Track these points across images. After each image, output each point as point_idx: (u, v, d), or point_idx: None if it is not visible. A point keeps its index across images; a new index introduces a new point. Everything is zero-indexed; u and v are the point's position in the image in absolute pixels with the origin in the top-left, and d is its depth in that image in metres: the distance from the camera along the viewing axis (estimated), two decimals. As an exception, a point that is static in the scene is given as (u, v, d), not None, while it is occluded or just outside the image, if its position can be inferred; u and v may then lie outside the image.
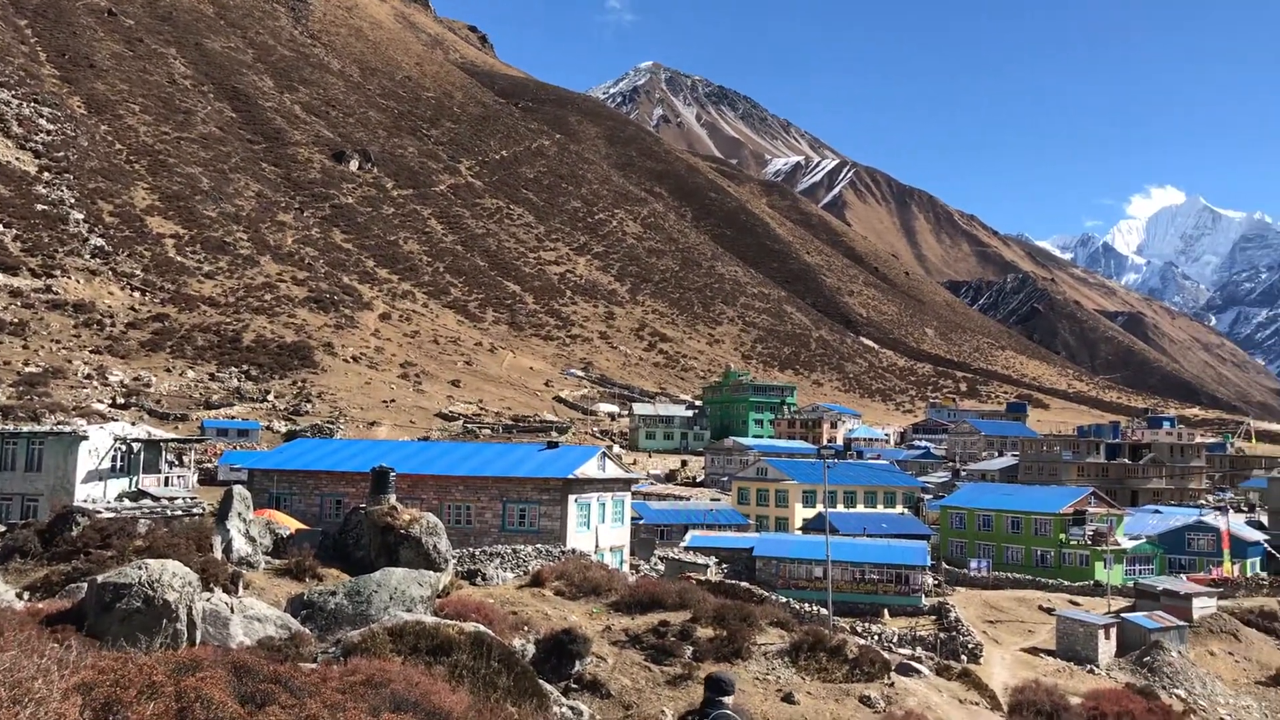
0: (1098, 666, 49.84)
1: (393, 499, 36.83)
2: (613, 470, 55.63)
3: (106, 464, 52.02)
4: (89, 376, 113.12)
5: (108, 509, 42.38)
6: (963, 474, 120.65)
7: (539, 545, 45.98)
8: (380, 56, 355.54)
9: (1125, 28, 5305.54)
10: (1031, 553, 76.26)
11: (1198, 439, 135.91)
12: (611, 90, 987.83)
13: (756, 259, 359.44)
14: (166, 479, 56.52)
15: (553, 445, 57.96)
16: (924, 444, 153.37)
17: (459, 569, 38.92)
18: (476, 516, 50.42)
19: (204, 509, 48.01)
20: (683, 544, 68.25)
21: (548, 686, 21.24)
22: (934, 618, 55.26)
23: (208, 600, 21.00)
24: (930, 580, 63.95)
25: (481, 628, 20.79)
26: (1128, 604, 60.64)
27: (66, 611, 19.77)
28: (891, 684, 31.28)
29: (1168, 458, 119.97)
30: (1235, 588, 69.29)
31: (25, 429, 55.96)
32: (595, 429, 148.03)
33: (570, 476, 49.95)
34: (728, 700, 8.09)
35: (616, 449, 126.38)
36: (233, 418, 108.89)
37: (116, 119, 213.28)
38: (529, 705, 16.79)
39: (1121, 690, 40.71)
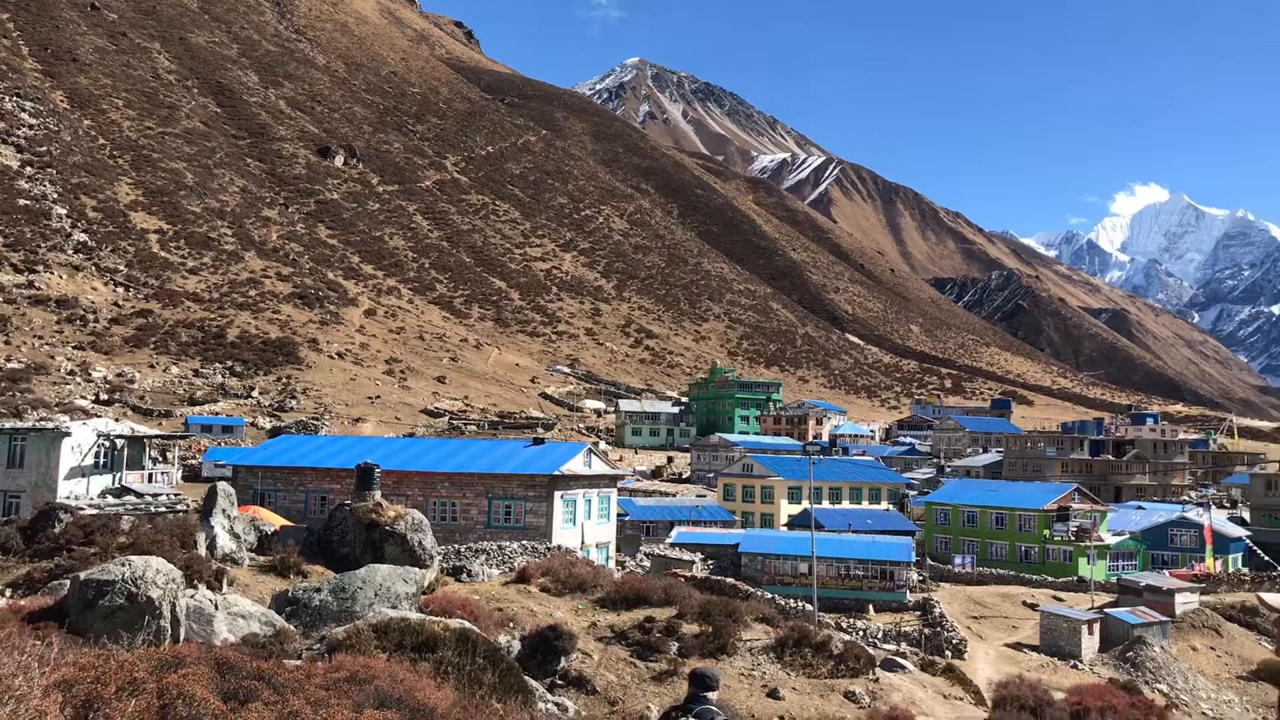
0: (1081, 662, 50.11)
1: (378, 495, 36.75)
2: (599, 466, 55.62)
3: (90, 460, 51.76)
4: (72, 373, 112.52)
5: (91, 505, 42.17)
6: (947, 470, 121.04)
7: (525, 542, 45.95)
8: (365, 52, 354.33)
9: (1111, 27, 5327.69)
10: (1016, 548, 76.57)
11: (1181, 435, 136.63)
12: (598, 86, 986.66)
13: (743, 256, 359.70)
14: (150, 475, 56.27)
15: (539, 442, 57.90)
16: (909, 440, 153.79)
17: (444, 566, 38.87)
18: (462, 513, 50.35)
19: (188, 506, 47.83)
20: (668, 540, 68.32)
21: (533, 683, 21.23)
22: (919, 613, 55.46)
23: (191, 597, 20.91)
24: (915, 576, 64.18)
25: (467, 624, 20.77)
26: (1111, 599, 60.99)
27: (49, 609, 19.67)
28: (876, 679, 31.38)
29: (1151, 454, 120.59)
30: (1217, 583, 69.70)
31: (7, 425, 55.60)
32: (581, 425, 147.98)
33: (556, 473, 49.93)
34: (712, 696, 8.08)
35: (603, 445, 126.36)
36: (217, 414, 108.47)
37: (100, 114, 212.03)
38: (514, 702, 16.77)
39: (1105, 685, 40.90)
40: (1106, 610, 56.02)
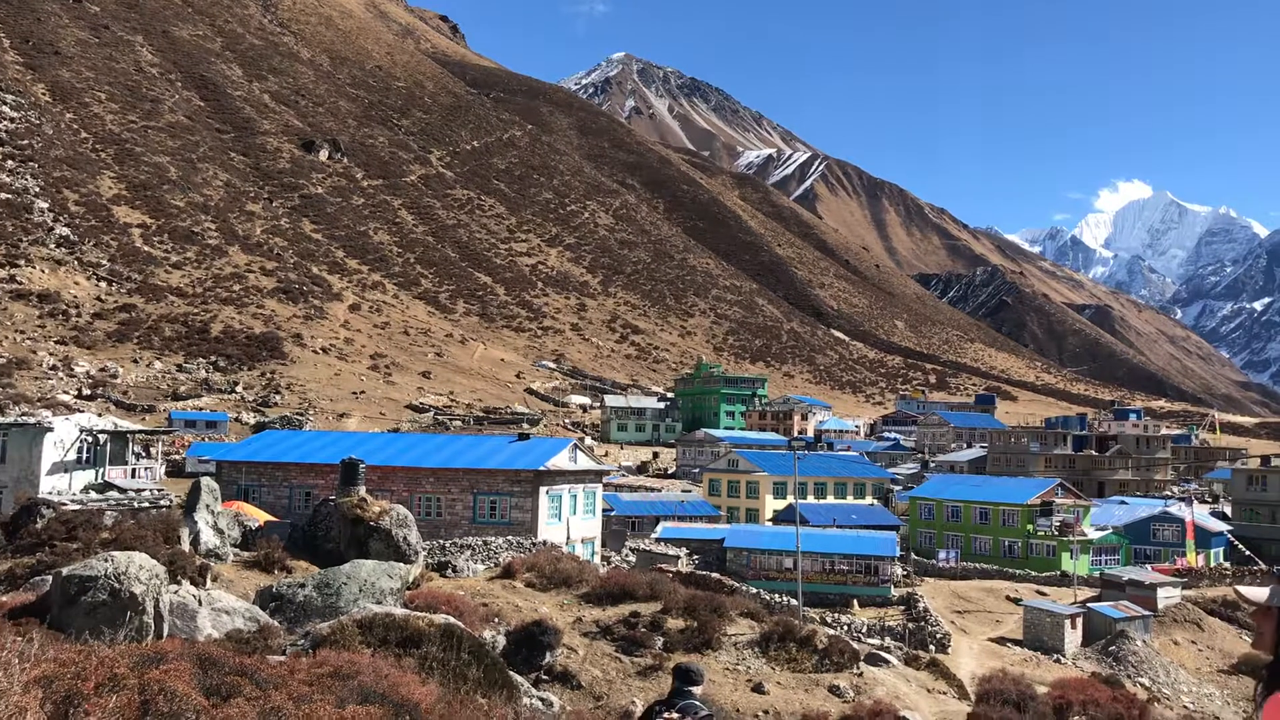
0: (1064, 656, 50.35)
1: (362, 491, 36.69)
2: (584, 462, 55.63)
3: (72, 456, 51.49)
4: (54, 367, 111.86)
5: (73, 501, 41.96)
6: (932, 465, 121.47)
7: (510, 537, 45.94)
8: (350, 46, 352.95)
9: (1096, 25, 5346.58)
10: (999, 543, 76.90)
11: (1163, 431, 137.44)
12: (584, 81, 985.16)
13: (728, 251, 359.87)
14: (133, 471, 56.04)
15: (524, 437, 57.88)
16: (893, 435, 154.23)
17: (429, 561, 38.82)
18: (447, 508, 50.29)
19: (171, 501, 47.63)
20: (654, 535, 68.39)
21: (518, 678, 21.23)
22: (903, 608, 55.64)
23: (175, 593, 20.84)
24: (899, 571, 64.37)
25: (452, 620, 20.75)
26: (1094, 594, 61.30)
27: (30, 604, 19.57)
28: (860, 674, 31.49)
29: (1134, 449, 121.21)
30: (1199, 578, 70.16)
31: (-11, 420, 55.26)
32: (567, 421, 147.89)
33: (541, 468, 49.91)
34: (696, 690, 8.08)
35: (588, 441, 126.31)
36: (201, 409, 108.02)
37: (82, 107, 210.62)
38: (499, 697, 16.76)
39: (1087, 679, 41.15)
40: (1089, 605, 56.32)
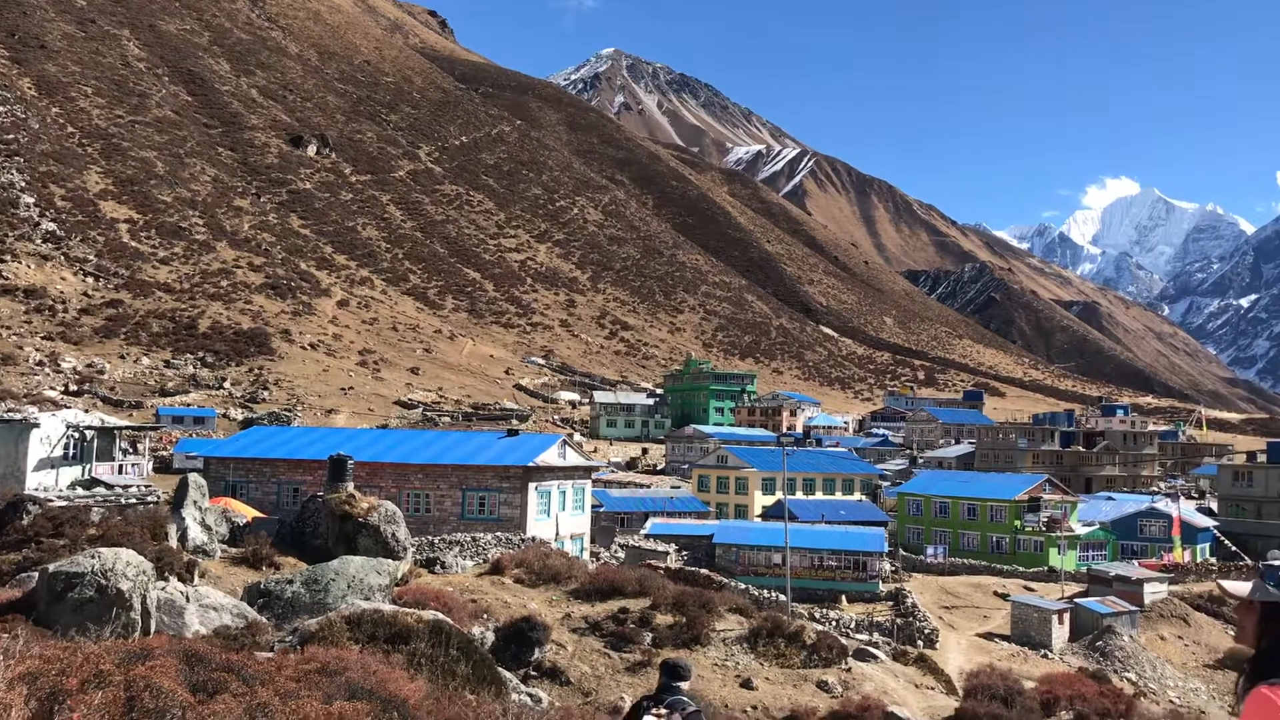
0: (1051, 651, 50.55)
1: (350, 487, 36.63)
2: (573, 458, 55.62)
3: (59, 452, 51.28)
4: (41, 363, 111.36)
5: (60, 497, 41.80)
6: (920, 461, 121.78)
7: (499, 533, 45.92)
8: (339, 40, 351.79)
9: (1085, 22, 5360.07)
10: (987, 539, 77.15)
11: (1150, 427, 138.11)
12: (573, 77, 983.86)
13: (717, 247, 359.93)
14: (120, 467, 55.83)
15: (513, 433, 57.85)
16: (882, 432, 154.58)
17: (418, 557, 38.79)
18: (436, 504, 50.23)
19: (159, 497, 47.48)
20: (643, 531, 68.43)
21: (507, 674, 21.23)
22: (891, 603, 55.79)
23: (162, 589, 20.78)
24: (888, 566, 64.53)
25: (440, 616, 20.73)
26: (1081, 589, 61.55)
27: (16, 601, 19.48)
28: (849, 669, 31.57)
29: (1121, 445, 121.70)
30: (1185, 573, 70.51)
31: (-26, 416, 54.97)
32: (556, 417, 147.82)
33: (530, 464, 49.88)
34: (683, 686, 8.08)
35: (577, 437, 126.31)
36: (188, 405, 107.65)
37: (68, 101, 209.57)
38: (488, 693, 16.76)
39: (1074, 674, 41.33)
40: (1076, 600, 56.55)
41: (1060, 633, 52.20)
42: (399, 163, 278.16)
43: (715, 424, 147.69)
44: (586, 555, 52.39)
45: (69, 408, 75.53)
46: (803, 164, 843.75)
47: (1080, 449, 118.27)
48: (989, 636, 52.77)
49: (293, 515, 39.54)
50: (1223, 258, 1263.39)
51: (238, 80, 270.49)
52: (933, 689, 35.05)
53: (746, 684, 29.01)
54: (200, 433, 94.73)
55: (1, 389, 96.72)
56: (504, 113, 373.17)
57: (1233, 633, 54.52)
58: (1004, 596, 59.91)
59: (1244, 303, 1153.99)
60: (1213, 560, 79.12)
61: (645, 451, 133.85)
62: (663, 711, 7.77)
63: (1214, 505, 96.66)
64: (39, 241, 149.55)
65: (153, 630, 18.64)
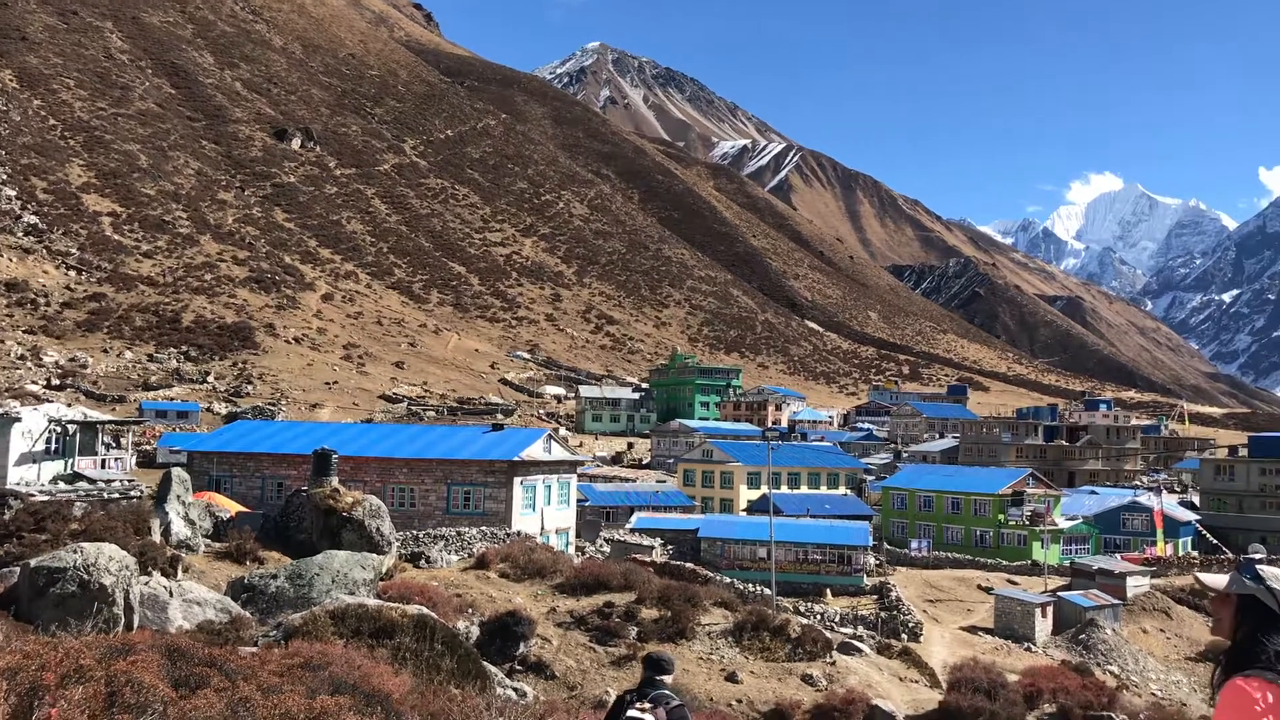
0: (1035, 644, 50.79)
1: (335, 481, 36.55)
2: (558, 452, 55.60)
3: (41, 446, 51.01)
4: (23, 357, 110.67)
5: (42, 492, 41.59)
6: (904, 455, 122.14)
7: (484, 527, 45.88)
8: (323, 33, 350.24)
9: (1069, 18, 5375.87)
10: (971, 533, 77.46)
11: (1133, 421, 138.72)
12: (558, 70, 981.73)
13: (703, 242, 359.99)
14: (103, 461, 55.57)
15: (498, 427, 57.80)
16: (867, 426, 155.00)
17: (403, 552, 38.73)
18: (420, 499, 50.16)
19: (142, 492, 47.27)
20: (628, 526, 68.47)
21: (492, 668, 21.22)
22: (875, 597, 55.97)
23: (146, 584, 20.71)
24: (872, 560, 64.73)
25: (425, 610, 20.71)
26: (1064, 583, 61.84)
27: (-2, 596, 19.37)
28: (833, 663, 31.67)
29: (1104, 440, 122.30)
30: (1168, 566, 70.88)
31: (-45, 411, 54.62)
32: (541, 411, 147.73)
33: (516, 459, 49.84)
34: (667, 680, 8.10)
35: (563, 431, 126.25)
36: (172, 399, 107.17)
37: (50, 94, 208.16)
38: (473, 687, 16.75)
39: (1057, 667, 41.54)
40: (1059, 594, 56.82)
41: (1043, 626, 52.46)
42: (384, 156, 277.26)
43: (701, 418, 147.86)
44: (572, 549, 52.41)
45: (51, 402, 75.08)
46: (788, 159, 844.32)
47: (1063, 443, 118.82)
48: (973, 630, 52.99)
49: (277, 510, 39.44)
50: (1205, 253, 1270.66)
51: (221, 73, 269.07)
52: (917, 682, 35.20)
53: (731, 677, 29.08)
54: (184, 427, 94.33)
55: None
56: (489, 106, 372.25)
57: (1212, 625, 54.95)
58: (987, 590, 60.15)
59: (1226, 298, 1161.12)
60: (1195, 554, 79.59)
61: (631, 446, 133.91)
62: (646, 705, 7.79)
63: (1196, 499, 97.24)
64: (20, 235, 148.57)
65: (136, 625, 18.58)
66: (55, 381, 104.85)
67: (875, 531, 74.64)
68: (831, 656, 32.04)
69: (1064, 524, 77.87)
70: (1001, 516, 76.08)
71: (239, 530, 34.65)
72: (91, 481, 49.80)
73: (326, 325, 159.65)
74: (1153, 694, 46.61)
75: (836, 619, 48.98)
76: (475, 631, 27.18)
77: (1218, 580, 4.37)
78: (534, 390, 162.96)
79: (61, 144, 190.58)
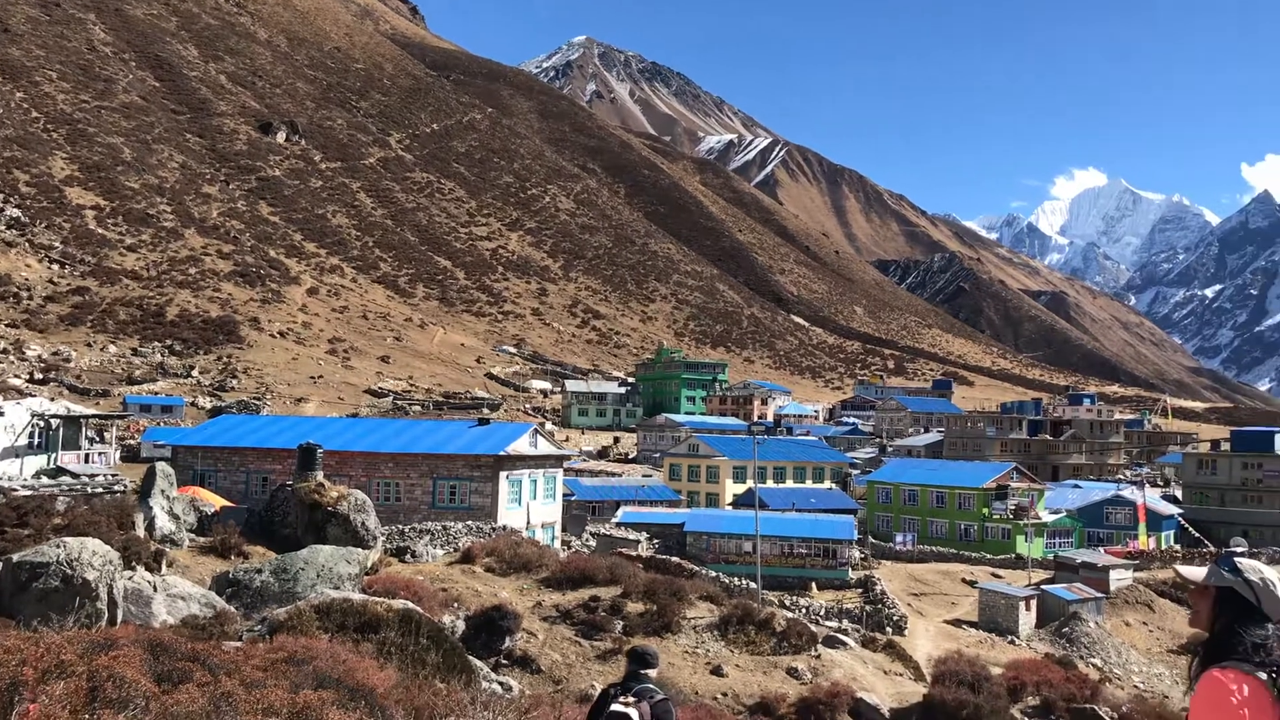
0: (1018, 637, 51.04)
1: (320, 476, 36.47)
2: (544, 447, 55.58)
3: (23, 441, 50.75)
4: (5, 351, 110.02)
5: (24, 486, 41.37)
6: (889, 450, 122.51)
7: (470, 522, 45.84)
8: (308, 26, 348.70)
9: (1052, 16, 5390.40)
10: (955, 526, 77.77)
11: (1116, 416, 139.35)
12: (544, 64, 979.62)
13: (689, 237, 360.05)
14: (87, 456, 55.35)
15: (484, 422, 57.72)
16: (852, 420, 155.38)
17: (388, 546, 38.68)
18: (406, 493, 50.08)
19: (126, 486, 47.07)
20: (614, 520, 68.50)
21: (477, 662, 21.22)
22: (860, 591, 56.14)
23: (129, 579, 20.64)
24: (857, 554, 64.93)
25: (410, 605, 20.69)
26: (1048, 576, 62.17)
27: (-20, 591, 19.27)
28: (818, 656, 31.78)
29: (1088, 434, 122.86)
30: (1150, 560, 71.29)
31: (-63, 405, 54.29)
32: (527, 406, 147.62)
33: (501, 453, 49.81)
34: (651, 673, 8.11)
35: (549, 426, 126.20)
36: (156, 394, 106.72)
37: (33, 86, 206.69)
38: (458, 681, 16.74)
39: (1041, 660, 41.78)
40: (1043, 587, 57.10)
41: (1027, 619, 52.71)
42: (369, 150, 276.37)
43: (687, 413, 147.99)
44: (558, 544, 52.41)
45: (34, 396, 74.66)
46: (774, 153, 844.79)
47: (1047, 437, 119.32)
48: (957, 623, 53.21)
49: (262, 504, 39.34)
50: (1188, 248, 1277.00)
51: (206, 66, 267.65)
52: (901, 675, 35.35)
53: (717, 671, 29.15)
54: (168, 421, 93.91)
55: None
56: (475, 100, 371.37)
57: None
58: (972, 583, 60.40)
59: (1209, 293, 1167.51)
60: (1177, 547, 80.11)
61: (617, 440, 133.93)
62: (630, 699, 7.80)
63: (1178, 493, 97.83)
64: (3, 228, 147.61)
65: (119, 620, 18.52)
66: (38, 376, 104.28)
67: (860, 525, 74.85)
68: (816, 650, 32.14)
69: (1048, 518, 78.27)
70: (986, 510, 76.41)
71: (224, 525, 34.55)
72: (75, 476, 49.58)
73: (311, 319, 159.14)
74: (1135, 686, 46.89)
75: (822, 613, 49.11)
76: (461, 626, 27.18)
77: (1196, 573, 4.41)
78: (520, 385, 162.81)
79: (44, 137, 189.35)
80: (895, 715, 29.56)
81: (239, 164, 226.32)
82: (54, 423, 52.59)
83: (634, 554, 51.63)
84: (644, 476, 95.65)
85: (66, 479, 48.17)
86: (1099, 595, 55.94)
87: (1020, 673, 35.98)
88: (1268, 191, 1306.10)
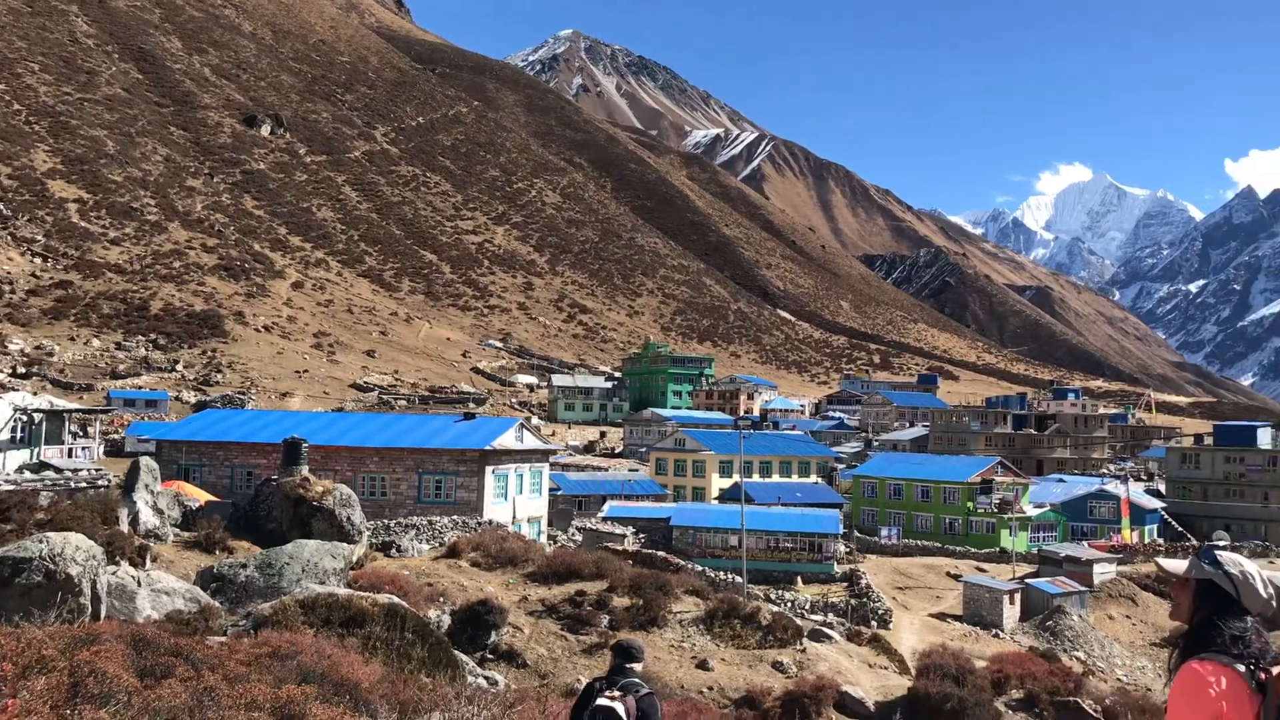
0: (1002, 631, 51.27)
1: (305, 470, 36.40)
2: (531, 441, 55.53)
3: (6, 435, 50.47)
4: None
5: (7, 481, 41.16)
6: (875, 444, 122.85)
7: (455, 517, 45.78)
8: (293, 19, 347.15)
9: (1037, 10, 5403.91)
10: (940, 521, 78.03)
11: (1101, 410, 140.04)
12: (531, 58, 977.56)
13: (676, 231, 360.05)
14: (70, 450, 55.08)
15: (470, 416, 57.63)
16: (838, 415, 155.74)
17: (374, 541, 38.62)
18: (391, 488, 49.98)
19: (110, 481, 46.89)
20: (601, 514, 68.50)
21: (463, 657, 21.22)
22: (846, 585, 56.30)
23: (113, 574, 20.56)
24: (842, 548, 65.09)
25: (396, 599, 20.67)
26: (1032, 570, 62.43)
27: (-38, 587, 19.16)
28: (803, 650, 31.87)
29: (1072, 428, 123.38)
30: (1134, 554, 71.65)
31: (-82, 399, 53.95)
32: (513, 400, 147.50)
33: (487, 448, 49.75)
34: (636, 667, 8.12)
35: (535, 420, 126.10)
36: (140, 388, 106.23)
37: (15, 78, 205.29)
38: (443, 676, 16.74)
39: (1025, 653, 41.98)
40: (1027, 581, 57.36)
41: (1011, 613, 52.95)
42: (354, 143, 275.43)
43: (673, 407, 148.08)
44: (544, 538, 52.39)
45: (17, 390, 74.28)
46: (761, 148, 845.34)
47: (1032, 432, 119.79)
48: (941, 617, 53.42)
49: (247, 499, 39.23)
50: (1172, 244, 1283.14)
51: (190, 58, 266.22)
52: (886, 669, 35.48)
53: (703, 665, 29.21)
54: (152, 416, 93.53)
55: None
56: (461, 94, 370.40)
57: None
58: (956, 577, 60.63)
59: (1193, 288, 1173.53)
60: (1160, 541, 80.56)
61: (603, 435, 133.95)
62: (615, 693, 7.81)
63: (1162, 487, 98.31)
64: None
65: (103, 615, 18.45)
66: (21, 370, 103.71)
67: (846, 519, 75.02)
68: (802, 644, 32.24)
69: (1032, 512, 78.62)
70: (970, 504, 76.68)
71: (208, 519, 34.46)
72: (58, 471, 49.34)
73: (296, 313, 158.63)
74: (1118, 679, 47.18)
75: (807, 606, 49.23)
76: (447, 620, 27.16)
77: (1177, 565, 4.44)
78: (506, 379, 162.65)
79: (26, 129, 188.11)
80: (880, 708, 29.68)
81: (223, 157, 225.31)
82: (37, 417, 52.31)
83: (620, 548, 51.67)
84: (630, 471, 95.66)
85: (50, 474, 47.93)
86: (1083, 589, 56.22)
87: (1004, 666, 36.15)
88: (1251, 187, 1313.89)
